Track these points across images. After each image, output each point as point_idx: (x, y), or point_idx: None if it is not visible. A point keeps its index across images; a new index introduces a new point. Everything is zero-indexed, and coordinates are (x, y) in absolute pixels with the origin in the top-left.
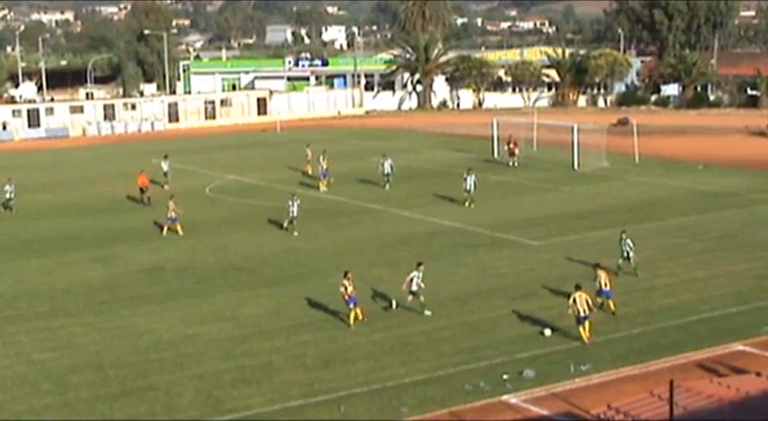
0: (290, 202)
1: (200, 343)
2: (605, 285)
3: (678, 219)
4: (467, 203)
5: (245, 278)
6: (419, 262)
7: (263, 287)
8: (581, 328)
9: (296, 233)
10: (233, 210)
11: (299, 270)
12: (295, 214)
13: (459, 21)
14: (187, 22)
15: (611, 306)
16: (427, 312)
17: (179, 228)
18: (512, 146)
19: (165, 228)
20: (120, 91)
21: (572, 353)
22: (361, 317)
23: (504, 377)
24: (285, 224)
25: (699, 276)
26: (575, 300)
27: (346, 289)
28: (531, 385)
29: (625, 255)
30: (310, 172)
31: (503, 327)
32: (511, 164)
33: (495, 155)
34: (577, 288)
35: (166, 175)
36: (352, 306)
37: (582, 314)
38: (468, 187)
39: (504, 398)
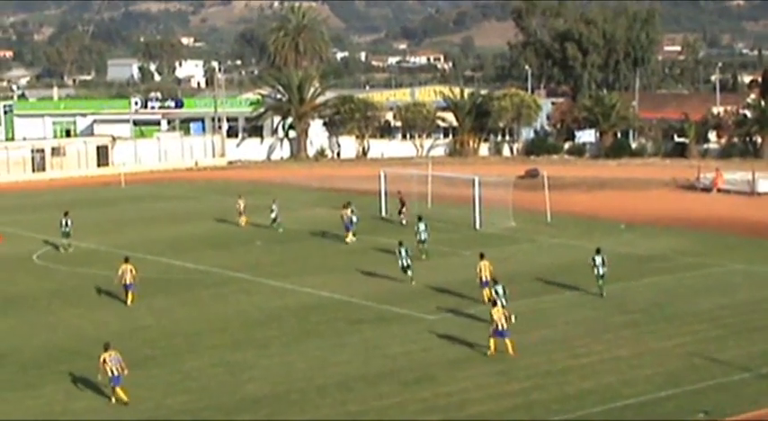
0: (350, 211)
1: None
2: (486, 277)
3: (597, 287)
4: (423, 256)
5: (80, 364)
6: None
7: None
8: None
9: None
10: (66, 282)
11: (147, 352)
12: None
13: (340, 55)
14: (9, 54)
15: (487, 295)
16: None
17: (127, 296)
18: (402, 201)
19: (130, 298)
20: None
21: None
22: (124, 398)
23: None
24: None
25: (622, 355)
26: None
27: (105, 363)
28: None
29: (596, 273)
30: (243, 224)
31: (393, 418)
32: (404, 222)
33: (384, 213)
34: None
35: (68, 236)
36: (113, 385)
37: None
38: (421, 238)
39: None
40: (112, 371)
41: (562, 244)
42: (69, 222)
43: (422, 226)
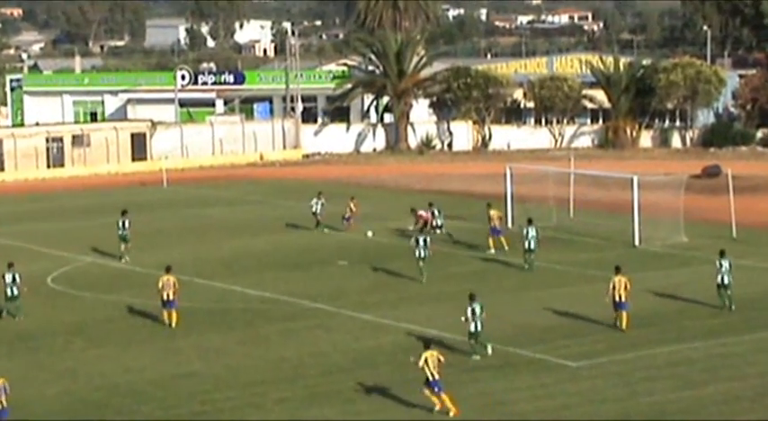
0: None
1: None
2: (621, 296)
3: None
4: (527, 265)
5: None
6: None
7: None
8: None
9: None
10: (90, 313)
11: (195, 408)
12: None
13: (452, 13)
14: (18, 13)
15: (624, 319)
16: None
17: (170, 315)
18: (423, 216)
19: (167, 317)
20: None
21: None
22: None
23: None
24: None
25: None
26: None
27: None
28: None
29: (720, 280)
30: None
31: None
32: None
33: (510, 223)
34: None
35: (127, 240)
36: None
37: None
38: (530, 246)
39: None
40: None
41: (753, 266)
42: (127, 224)
43: (532, 231)
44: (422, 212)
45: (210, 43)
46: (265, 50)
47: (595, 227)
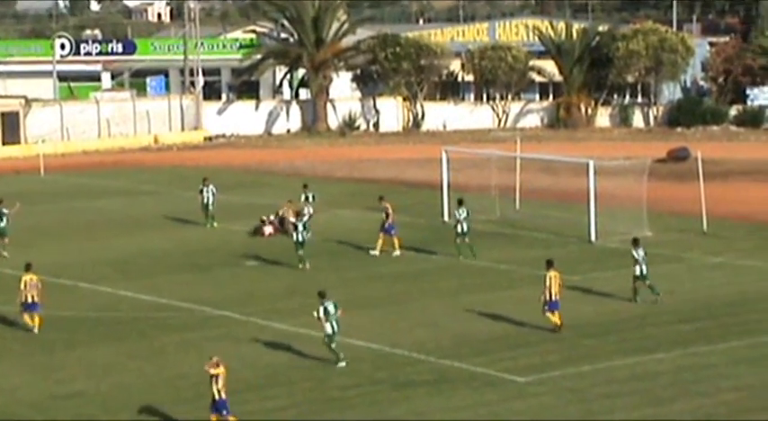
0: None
1: None
2: (555, 295)
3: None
4: (466, 252)
5: None
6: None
7: None
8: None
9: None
10: None
11: None
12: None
13: None
14: None
15: (557, 320)
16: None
17: (33, 320)
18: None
19: (29, 321)
20: None
21: None
22: None
23: None
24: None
25: None
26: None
27: None
28: None
29: (639, 271)
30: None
31: None
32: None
33: (446, 216)
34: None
35: (4, 235)
36: None
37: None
38: (463, 229)
39: None
40: None
41: (726, 264)
42: (5, 211)
43: (462, 213)
44: (268, 229)
45: (95, 6)
46: (160, 15)
47: (545, 219)
